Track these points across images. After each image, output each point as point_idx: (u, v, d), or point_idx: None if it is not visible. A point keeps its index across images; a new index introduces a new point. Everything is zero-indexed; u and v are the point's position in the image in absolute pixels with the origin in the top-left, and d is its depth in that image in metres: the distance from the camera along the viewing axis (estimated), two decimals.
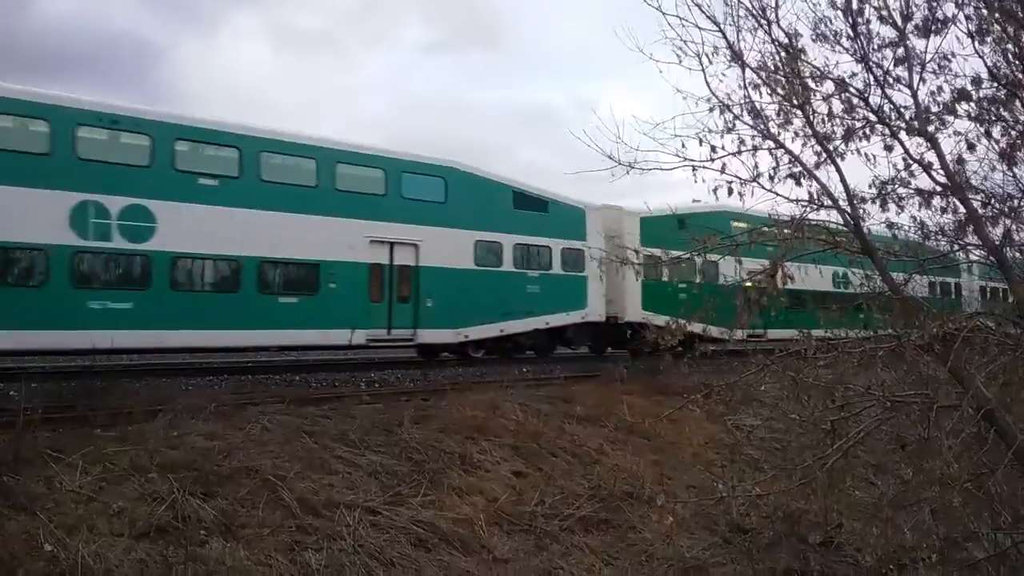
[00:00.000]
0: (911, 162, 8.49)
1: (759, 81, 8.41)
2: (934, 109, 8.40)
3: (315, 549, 9.46)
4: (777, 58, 8.35)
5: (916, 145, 8.47)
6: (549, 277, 22.72)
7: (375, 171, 19.49)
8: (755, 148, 8.56)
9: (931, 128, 8.33)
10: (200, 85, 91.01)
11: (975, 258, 8.92)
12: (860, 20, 8.20)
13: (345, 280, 18.41)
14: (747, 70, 8.38)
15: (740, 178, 8.44)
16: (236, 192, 17.03)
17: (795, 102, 8.25)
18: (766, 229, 8.80)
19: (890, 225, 8.97)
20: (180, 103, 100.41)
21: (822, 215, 8.56)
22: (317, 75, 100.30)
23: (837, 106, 8.52)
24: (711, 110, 8.42)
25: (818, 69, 8.37)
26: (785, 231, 8.29)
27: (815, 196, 8.38)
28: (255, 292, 17.21)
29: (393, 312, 19.48)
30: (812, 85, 8.39)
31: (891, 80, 8.35)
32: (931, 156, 8.38)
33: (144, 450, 10.17)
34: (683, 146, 8.33)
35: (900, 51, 8.19)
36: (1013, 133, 8.41)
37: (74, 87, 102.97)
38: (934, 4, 8.05)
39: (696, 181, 8.52)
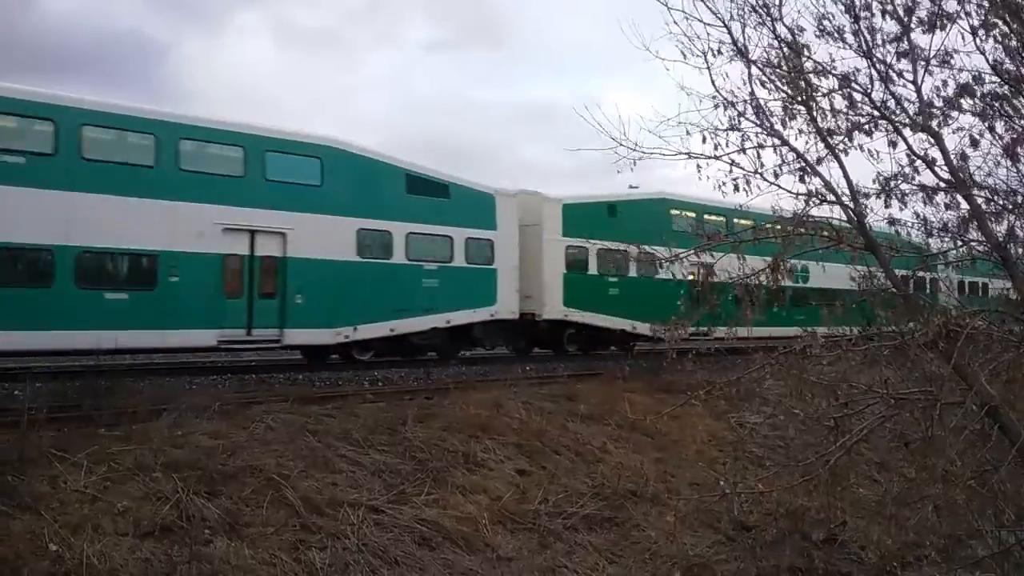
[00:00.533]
0: (915, 158, 8.48)
1: (763, 77, 8.42)
2: (938, 105, 8.39)
3: (319, 548, 9.47)
4: (781, 54, 8.34)
5: (920, 141, 8.46)
6: (450, 270, 20.47)
7: (232, 149, 17.16)
8: (759, 145, 8.56)
9: (934, 124, 8.31)
10: (204, 83, 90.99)
11: (978, 255, 8.88)
12: (863, 15, 8.19)
13: (191, 273, 16.12)
14: (752, 66, 8.39)
15: (744, 169, 8.42)
16: (48, 172, 14.86)
17: (799, 98, 8.24)
18: (768, 225, 8.76)
19: (893, 221, 8.96)
20: (184, 102, 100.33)
21: (825, 211, 8.55)
22: (320, 74, 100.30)
23: (840, 102, 8.52)
24: (716, 107, 8.42)
25: (821, 65, 8.36)
26: (788, 227, 8.26)
27: (818, 192, 8.37)
28: (73, 287, 15.01)
29: (254, 310, 17.16)
30: (816, 81, 8.39)
31: (894, 76, 8.33)
32: (935, 152, 8.37)
33: (148, 449, 10.18)
34: (688, 134, 8.32)
35: (903, 46, 8.17)
36: (1017, 129, 8.39)
37: (78, 86, 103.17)
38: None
39: (700, 178, 8.50)
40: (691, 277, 8.73)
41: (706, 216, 25.02)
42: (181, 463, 10.02)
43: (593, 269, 23.61)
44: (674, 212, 24.88)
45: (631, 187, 23.51)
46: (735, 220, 25.10)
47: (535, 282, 22.03)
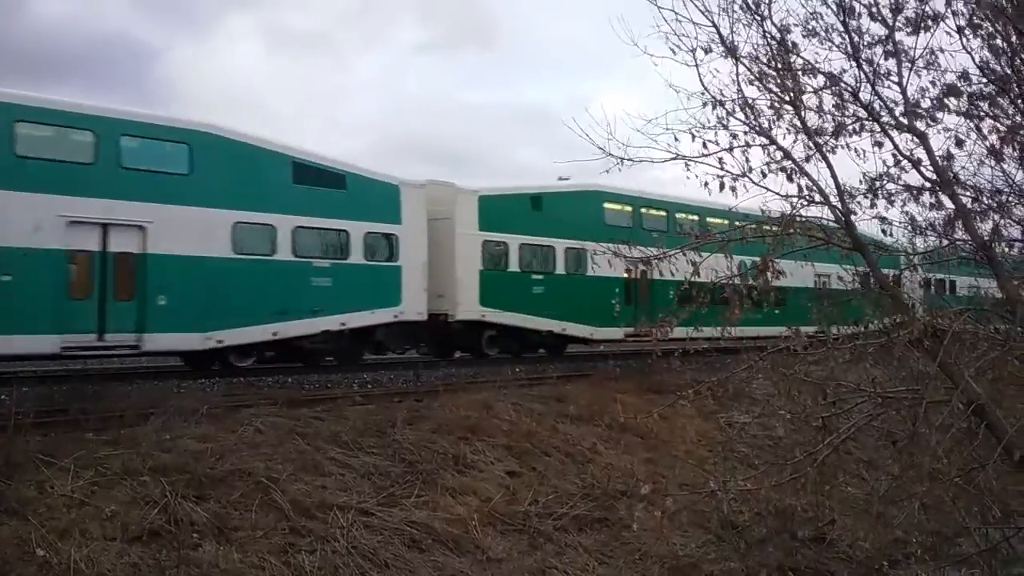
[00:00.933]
0: (900, 158, 8.52)
1: (751, 76, 8.44)
2: (924, 105, 8.43)
3: (308, 551, 9.45)
4: (770, 53, 8.37)
5: (906, 141, 8.50)
6: (346, 268, 18.59)
7: (79, 133, 15.41)
8: (747, 144, 8.58)
9: (920, 124, 8.36)
10: (195, 86, 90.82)
11: (964, 254, 8.94)
12: (851, 16, 8.23)
13: (26, 272, 14.29)
14: (740, 65, 8.41)
15: (731, 172, 8.44)
16: None
17: (787, 97, 8.28)
18: (753, 225, 8.77)
19: (881, 221, 9.01)
20: (176, 105, 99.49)
21: (813, 211, 8.59)
22: (311, 76, 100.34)
23: (828, 101, 8.56)
24: (704, 105, 8.44)
25: (809, 63, 8.39)
26: (775, 227, 8.29)
27: (805, 190, 8.40)
28: None
29: (107, 313, 15.31)
30: (803, 80, 8.42)
31: (881, 76, 8.37)
32: (920, 152, 8.41)
33: (136, 453, 10.14)
34: (675, 139, 8.33)
35: (890, 47, 8.22)
36: (1002, 129, 8.44)
37: (68, 89, 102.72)
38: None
39: (688, 177, 8.50)
40: (625, 275, 8.70)
41: (643, 210, 24.31)
42: (169, 467, 9.98)
43: (515, 266, 21.98)
44: (608, 206, 23.85)
45: (560, 179, 22.35)
46: (677, 214, 24.66)
47: (447, 280, 20.40)
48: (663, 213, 24.65)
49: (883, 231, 9.11)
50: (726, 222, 8.95)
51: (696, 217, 22.37)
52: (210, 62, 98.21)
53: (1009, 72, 8.15)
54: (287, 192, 17.81)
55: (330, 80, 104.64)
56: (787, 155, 8.43)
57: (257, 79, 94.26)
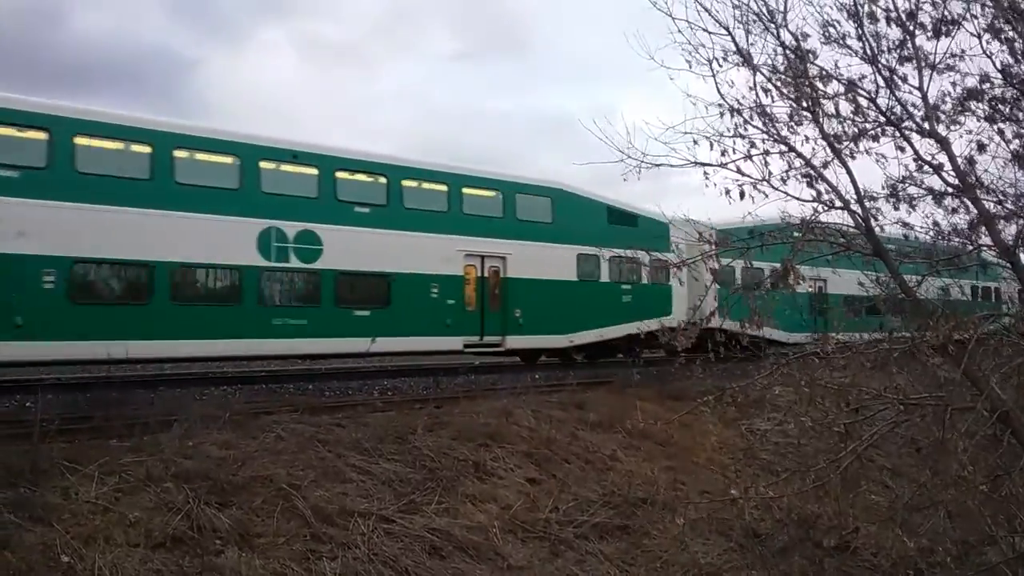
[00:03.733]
0: (922, 163, 8.46)
1: (768, 85, 8.42)
2: (944, 110, 8.37)
3: (330, 558, 9.46)
4: (786, 60, 8.35)
5: (927, 146, 8.44)
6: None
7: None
8: (766, 152, 8.55)
9: (941, 129, 8.30)
10: (227, 97, 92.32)
11: (988, 259, 8.86)
12: (868, 22, 8.19)
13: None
14: (757, 73, 8.40)
15: (751, 177, 8.41)
16: None
17: (804, 104, 8.24)
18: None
19: (904, 225, 8.94)
20: (210, 114, 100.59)
21: (833, 217, 8.54)
22: (344, 86, 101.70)
23: (846, 108, 8.52)
24: (722, 115, 8.43)
25: (826, 71, 8.37)
26: (796, 233, 8.26)
27: (825, 195, 8.36)
28: None
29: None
30: (821, 87, 8.39)
31: (900, 81, 8.33)
32: (942, 157, 8.35)
33: (159, 460, 10.21)
34: (695, 143, 8.33)
35: (908, 51, 8.17)
36: None
37: (103, 100, 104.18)
38: (942, 3, 8.02)
39: (708, 185, 8.49)
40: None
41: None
42: (191, 473, 10.04)
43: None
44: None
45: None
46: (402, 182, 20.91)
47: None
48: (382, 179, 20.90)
49: (904, 236, 9.04)
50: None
51: (414, 182, 20.52)
52: (243, 73, 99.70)
53: None
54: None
55: (360, 89, 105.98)
56: (806, 161, 8.39)
57: (288, 88, 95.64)
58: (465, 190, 20.61)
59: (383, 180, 19.32)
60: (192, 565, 8.54)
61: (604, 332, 22.82)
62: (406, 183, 19.59)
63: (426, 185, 20.15)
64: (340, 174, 18.63)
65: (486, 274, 21.02)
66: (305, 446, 11.64)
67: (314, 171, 18.19)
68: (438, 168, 20.47)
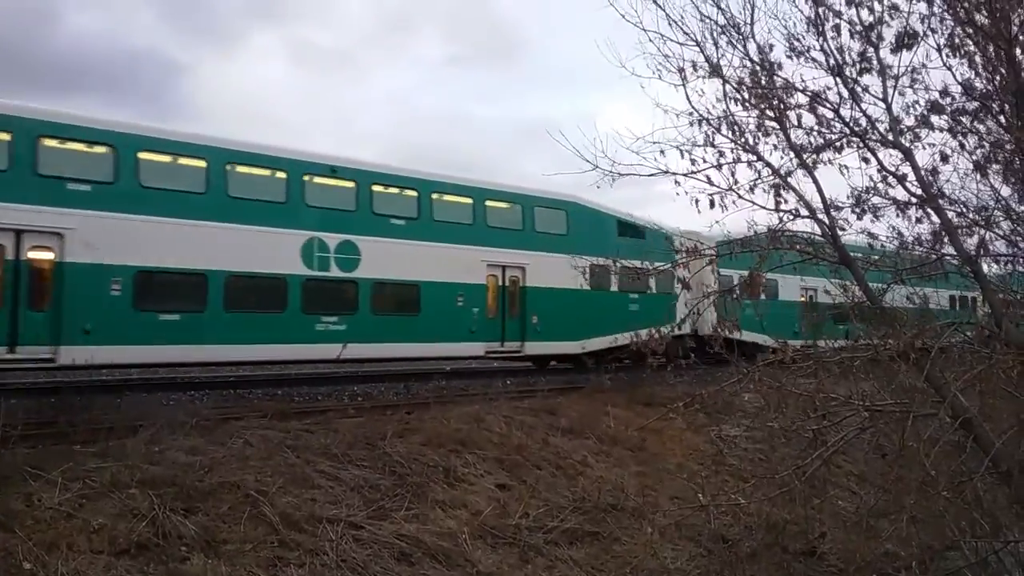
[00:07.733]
0: (886, 174, 8.60)
1: (737, 95, 8.52)
2: (908, 122, 8.52)
3: (297, 564, 9.39)
4: (753, 73, 8.46)
5: (891, 157, 8.58)
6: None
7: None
8: (735, 160, 8.65)
9: (905, 140, 8.44)
10: (215, 100, 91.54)
11: (950, 267, 9.01)
12: (831, 35, 8.32)
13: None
14: (726, 84, 8.50)
15: (719, 187, 8.51)
16: None
17: (771, 114, 8.35)
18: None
19: (869, 235, 9.08)
20: (198, 119, 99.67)
21: (801, 226, 8.66)
22: (333, 91, 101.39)
23: (811, 119, 8.64)
24: (691, 124, 8.52)
25: (790, 82, 8.48)
26: (762, 242, 8.36)
27: (792, 204, 8.48)
28: None
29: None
30: (787, 98, 8.50)
31: (864, 93, 8.46)
32: (906, 168, 8.50)
33: (125, 466, 10.07)
34: (662, 153, 8.42)
35: (871, 63, 8.31)
36: (986, 145, 8.54)
37: (90, 103, 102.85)
38: (903, 17, 8.17)
39: (678, 193, 8.58)
40: None
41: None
42: (158, 480, 9.92)
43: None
44: None
45: None
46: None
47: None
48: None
49: (870, 245, 9.18)
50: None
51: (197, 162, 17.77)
52: (234, 77, 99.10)
53: (990, 88, 8.25)
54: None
55: (350, 93, 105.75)
56: (774, 171, 8.50)
57: (278, 93, 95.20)
58: (488, 203, 21.41)
59: (414, 193, 20.03)
60: (157, 572, 8.45)
61: (614, 339, 22.83)
62: (435, 196, 20.35)
63: (453, 198, 20.87)
64: (376, 188, 19.30)
65: (506, 283, 21.68)
66: (274, 452, 11.55)
67: (352, 184, 18.93)
68: (464, 182, 21.19)
